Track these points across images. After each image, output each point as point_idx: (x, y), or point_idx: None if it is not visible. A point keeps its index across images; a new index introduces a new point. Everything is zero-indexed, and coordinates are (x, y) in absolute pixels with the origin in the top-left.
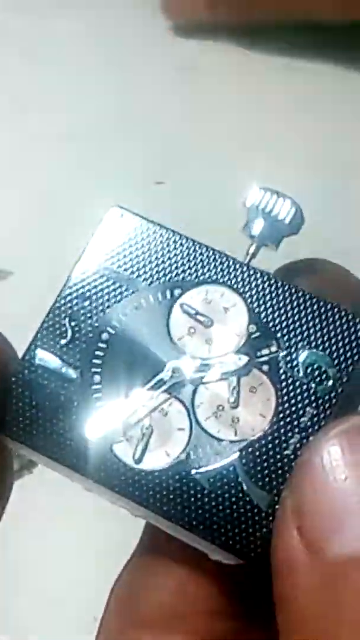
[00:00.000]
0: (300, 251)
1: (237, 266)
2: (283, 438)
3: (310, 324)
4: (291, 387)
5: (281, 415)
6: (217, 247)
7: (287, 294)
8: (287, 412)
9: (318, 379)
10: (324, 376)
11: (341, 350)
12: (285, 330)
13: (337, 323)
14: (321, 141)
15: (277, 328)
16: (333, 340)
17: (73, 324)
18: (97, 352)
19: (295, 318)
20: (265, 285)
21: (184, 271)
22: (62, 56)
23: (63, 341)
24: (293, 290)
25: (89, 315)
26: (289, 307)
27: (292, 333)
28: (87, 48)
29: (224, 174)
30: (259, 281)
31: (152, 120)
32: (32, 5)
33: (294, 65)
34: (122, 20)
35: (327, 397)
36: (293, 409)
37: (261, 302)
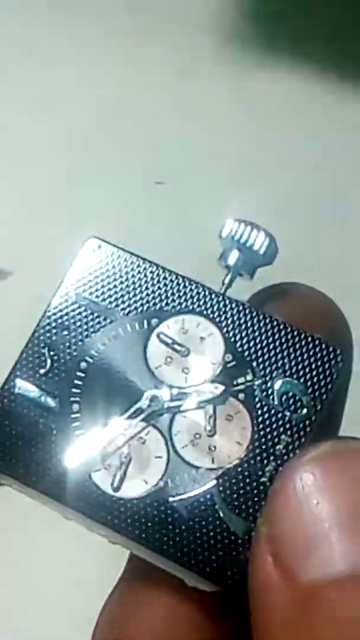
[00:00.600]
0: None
1: (213, 296)
2: (259, 465)
3: (285, 352)
4: (267, 415)
5: (257, 443)
6: (218, 247)
7: (262, 323)
8: (263, 440)
9: (293, 407)
10: (298, 404)
11: (315, 379)
12: (260, 359)
13: (311, 352)
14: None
15: (253, 357)
16: (307, 369)
17: (52, 353)
18: (76, 382)
19: (271, 347)
20: (241, 314)
21: (160, 301)
22: (62, 56)
23: (42, 371)
24: (268, 320)
25: (67, 345)
26: (264, 336)
27: (268, 362)
28: (87, 48)
29: (224, 174)
30: (235, 311)
31: (153, 121)
32: (33, 6)
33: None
34: (123, 20)
35: (301, 425)
36: (269, 436)
37: (237, 331)
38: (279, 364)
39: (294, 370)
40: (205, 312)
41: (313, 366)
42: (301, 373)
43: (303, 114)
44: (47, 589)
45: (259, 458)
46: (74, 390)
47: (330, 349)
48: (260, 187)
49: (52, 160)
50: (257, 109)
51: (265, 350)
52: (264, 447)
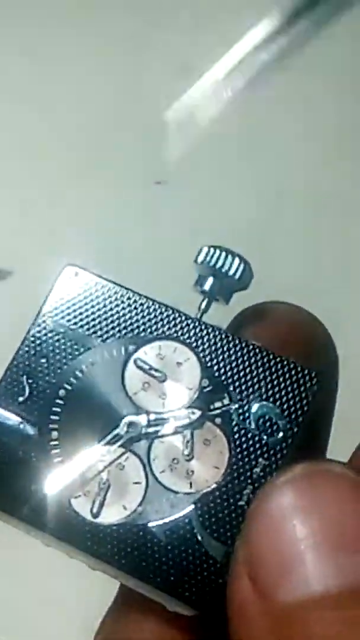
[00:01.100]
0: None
1: (189, 321)
2: (237, 489)
3: (261, 376)
4: (243, 439)
5: (234, 466)
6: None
7: (237, 347)
8: (240, 463)
9: (269, 430)
10: (274, 428)
11: (290, 402)
12: (237, 384)
13: (287, 375)
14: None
15: (229, 381)
16: (282, 393)
17: (30, 381)
18: (55, 409)
19: (247, 371)
20: (217, 339)
21: (137, 327)
22: (62, 56)
23: (21, 398)
24: (244, 344)
25: (46, 372)
26: (240, 361)
27: (244, 386)
28: (87, 48)
29: (224, 174)
30: (211, 336)
31: (153, 120)
32: (33, 5)
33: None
34: (124, 20)
35: (278, 448)
36: (246, 460)
37: (213, 356)
38: (255, 388)
39: (269, 394)
40: (181, 337)
41: (288, 390)
42: (277, 397)
43: (303, 114)
44: (47, 589)
45: (236, 482)
46: (52, 417)
47: (305, 372)
48: (257, 187)
49: (52, 160)
50: (257, 108)
51: (241, 374)
52: (241, 470)
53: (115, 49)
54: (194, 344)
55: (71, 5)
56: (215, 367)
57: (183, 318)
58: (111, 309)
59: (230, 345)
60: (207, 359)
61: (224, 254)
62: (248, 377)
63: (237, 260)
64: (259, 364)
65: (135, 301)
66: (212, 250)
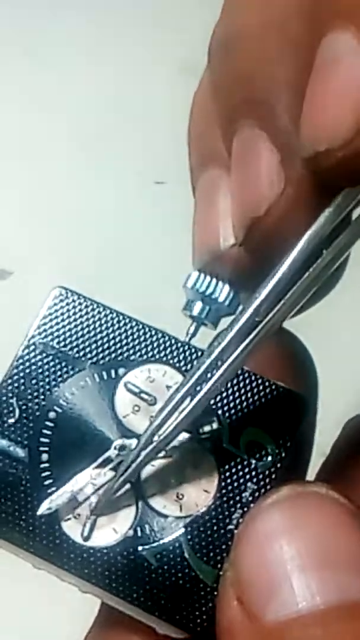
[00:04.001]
0: None
1: (179, 345)
2: (226, 513)
3: (250, 400)
4: (232, 464)
5: (224, 490)
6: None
7: None
8: (230, 487)
9: (258, 455)
10: (263, 452)
11: (279, 427)
12: (226, 408)
13: (275, 400)
14: None
15: (218, 405)
16: (271, 417)
17: (20, 403)
18: (45, 431)
19: (236, 395)
20: None
21: (127, 350)
22: (63, 56)
23: (11, 420)
24: None
25: (35, 394)
26: (229, 385)
27: (233, 410)
28: (87, 48)
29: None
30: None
31: (153, 120)
32: (33, 6)
33: None
34: (124, 20)
35: (266, 472)
36: (235, 484)
37: (202, 379)
38: (244, 412)
39: (258, 418)
40: (171, 361)
41: (277, 414)
42: (265, 421)
43: None
44: (47, 589)
45: (226, 506)
46: (43, 440)
47: (294, 396)
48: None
49: (52, 160)
50: None
51: (230, 398)
52: (230, 494)
53: (115, 49)
54: (184, 368)
55: (71, 5)
56: None
57: (172, 341)
58: (101, 332)
59: None
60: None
61: (213, 280)
62: (237, 402)
63: (226, 287)
64: (248, 388)
65: (125, 324)
66: (201, 275)
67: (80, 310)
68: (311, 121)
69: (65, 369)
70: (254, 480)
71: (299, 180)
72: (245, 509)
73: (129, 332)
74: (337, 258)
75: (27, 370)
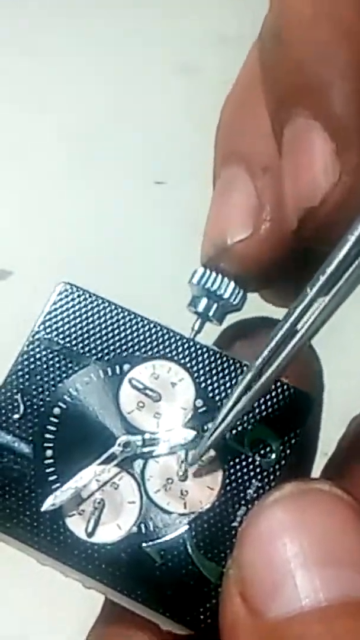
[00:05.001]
0: None
1: (184, 341)
2: (230, 510)
3: None
4: (237, 461)
5: (228, 487)
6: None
7: (231, 368)
8: (234, 484)
9: (262, 452)
10: (267, 449)
11: (284, 424)
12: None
13: (280, 397)
14: None
15: (223, 402)
16: (276, 414)
17: (25, 399)
18: (50, 427)
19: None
20: (211, 360)
21: (132, 346)
22: (62, 56)
23: (16, 416)
24: (237, 365)
25: (40, 390)
26: (234, 382)
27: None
28: (87, 48)
29: None
30: (205, 356)
31: (153, 120)
32: (33, 5)
33: None
34: (123, 20)
35: (271, 470)
36: (239, 481)
37: (207, 376)
38: (250, 410)
39: (262, 415)
40: (176, 357)
41: (283, 412)
42: (269, 418)
43: None
44: (46, 589)
45: (230, 503)
46: (47, 435)
47: (300, 394)
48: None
49: (52, 160)
50: None
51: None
52: (235, 491)
53: (115, 49)
54: (189, 364)
55: (71, 5)
56: (210, 388)
57: (177, 338)
58: (106, 327)
59: (225, 366)
60: (202, 379)
61: (219, 276)
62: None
63: (232, 284)
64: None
65: (130, 320)
66: (207, 272)
67: (85, 305)
68: None
69: (69, 365)
70: (259, 477)
71: (356, 168)
72: (250, 506)
73: (133, 328)
74: None
75: (32, 366)
